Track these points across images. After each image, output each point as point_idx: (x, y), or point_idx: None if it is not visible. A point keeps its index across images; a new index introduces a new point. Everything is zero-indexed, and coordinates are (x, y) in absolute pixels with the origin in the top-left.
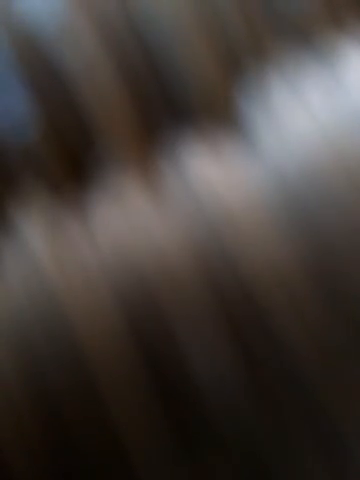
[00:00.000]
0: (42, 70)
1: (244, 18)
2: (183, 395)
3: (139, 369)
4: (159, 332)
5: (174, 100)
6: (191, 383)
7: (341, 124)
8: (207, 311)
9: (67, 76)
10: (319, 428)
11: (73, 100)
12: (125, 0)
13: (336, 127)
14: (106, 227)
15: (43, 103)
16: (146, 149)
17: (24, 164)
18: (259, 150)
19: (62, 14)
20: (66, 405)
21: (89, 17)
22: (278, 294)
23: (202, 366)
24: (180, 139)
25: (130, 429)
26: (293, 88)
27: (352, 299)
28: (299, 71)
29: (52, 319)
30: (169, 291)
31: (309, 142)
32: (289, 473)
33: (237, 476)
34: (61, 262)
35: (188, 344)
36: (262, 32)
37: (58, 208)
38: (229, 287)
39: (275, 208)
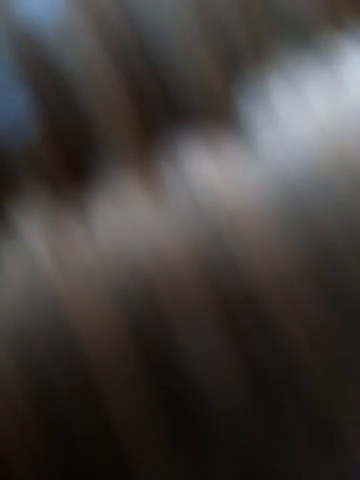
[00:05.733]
0: (42, 70)
1: (244, 18)
2: (183, 394)
3: (139, 368)
4: (158, 330)
5: (174, 100)
6: (191, 382)
7: (341, 123)
8: (207, 310)
9: (67, 76)
10: (319, 427)
11: (73, 100)
12: (125, 0)
13: (336, 126)
14: (106, 226)
15: (43, 103)
16: (146, 149)
17: (24, 164)
18: (259, 149)
19: (62, 14)
20: (66, 404)
21: (89, 17)
22: (278, 293)
23: (202, 365)
24: (180, 139)
25: (130, 428)
26: (293, 88)
27: (352, 298)
28: (299, 71)
29: (52, 318)
30: (169, 290)
31: (309, 141)
32: (289, 472)
33: (237, 475)
34: (61, 261)
35: (188, 343)
36: (262, 32)
37: (58, 208)
38: (229, 286)
39: (275, 207)
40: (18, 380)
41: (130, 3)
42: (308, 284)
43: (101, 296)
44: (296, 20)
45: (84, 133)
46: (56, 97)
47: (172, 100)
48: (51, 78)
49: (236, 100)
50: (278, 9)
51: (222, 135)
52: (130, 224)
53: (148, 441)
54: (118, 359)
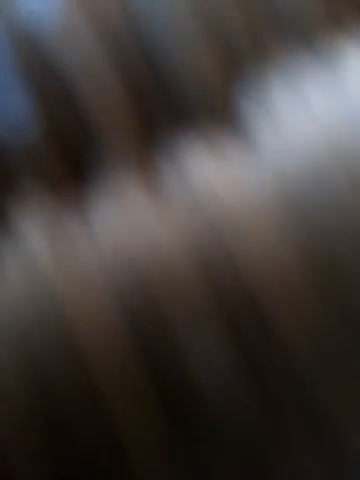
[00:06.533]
0: (42, 70)
1: (244, 18)
2: (183, 394)
3: (139, 368)
4: (159, 331)
5: (174, 100)
6: (191, 382)
7: (341, 124)
8: (207, 310)
9: (67, 76)
10: (319, 427)
11: (73, 100)
12: (125, 0)
13: (336, 127)
14: (106, 226)
15: (43, 103)
16: (146, 149)
17: (24, 164)
18: (259, 150)
19: (62, 14)
20: (66, 404)
21: (89, 17)
22: (278, 291)
23: (202, 365)
24: (180, 139)
25: (130, 429)
26: (293, 88)
27: (352, 298)
28: (299, 71)
29: (52, 318)
30: (169, 290)
31: (309, 142)
32: (289, 472)
33: (237, 475)
34: (61, 261)
35: (188, 343)
36: (262, 32)
37: (58, 208)
38: (229, 286)
39: (275, 208)
40: (18, 380)
41: (130, 3)
42: (308, 283)
43: (101, 296)
44: (296, 20)
45: (84, 133)
46: (56, 97)
47: (172, 100)
48: (51, 78)
49: (236, 100)
50: (278, 9)
51: (222, 135)
52: (130, 223)
53: (148, 441)
54: (118, 359)
